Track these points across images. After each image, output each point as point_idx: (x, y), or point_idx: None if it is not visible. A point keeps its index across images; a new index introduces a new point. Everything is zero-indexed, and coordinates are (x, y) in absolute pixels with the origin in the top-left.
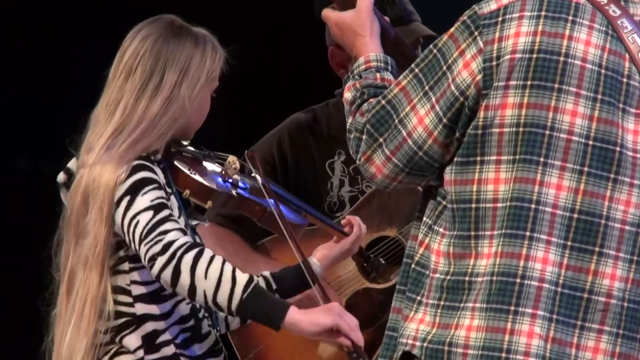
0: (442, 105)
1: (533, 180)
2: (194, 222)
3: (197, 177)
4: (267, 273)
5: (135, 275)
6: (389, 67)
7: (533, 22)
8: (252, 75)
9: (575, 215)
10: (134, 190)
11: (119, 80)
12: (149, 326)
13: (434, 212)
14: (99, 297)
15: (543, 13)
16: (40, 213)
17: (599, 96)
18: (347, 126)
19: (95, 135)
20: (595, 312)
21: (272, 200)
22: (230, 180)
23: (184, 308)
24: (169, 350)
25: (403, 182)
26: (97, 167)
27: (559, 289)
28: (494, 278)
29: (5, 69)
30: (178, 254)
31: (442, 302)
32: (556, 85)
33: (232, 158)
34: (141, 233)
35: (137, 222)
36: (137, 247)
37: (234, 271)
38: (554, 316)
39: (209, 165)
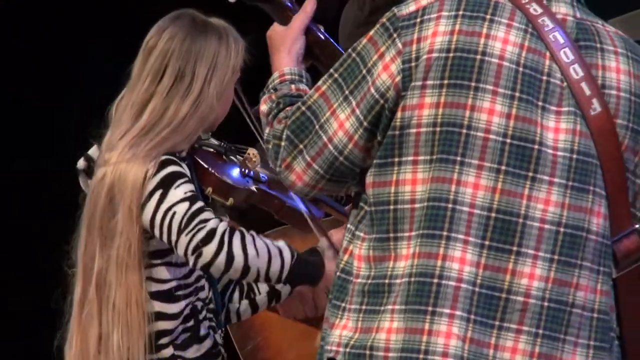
0: (363, 108)
1: (450, 179)
2: None
3: (219, 175)
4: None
5: (151, 272)
6: (304, 80)
7: (451, 21)
8: (266, 68)
9: (493, 215)
10: (166, 184)
11: (145, 82)
12: (159, 325)
13: (356, 218)
14: (142, 297)
15: (461, 12)
16: (40, 213)
17: (517, 94)
18: (265, 137)
19: (118, 135)
20: (513, 312)
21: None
22: (251, 174)
23: (188, 308)
24: (167, 352)
25: (324, 189)
26: (121, 165)
27: (477, 289)
28: (412, 279)
29: (5, 69)
30: (226, 239)
31: (363, 307)
32: (473, 84)
33: (252, 151)
34: (180, 223)
35: (174, 213)
36: (176, 238)
37: (274, 244)
38: (472, 316)
39: (230, 160)
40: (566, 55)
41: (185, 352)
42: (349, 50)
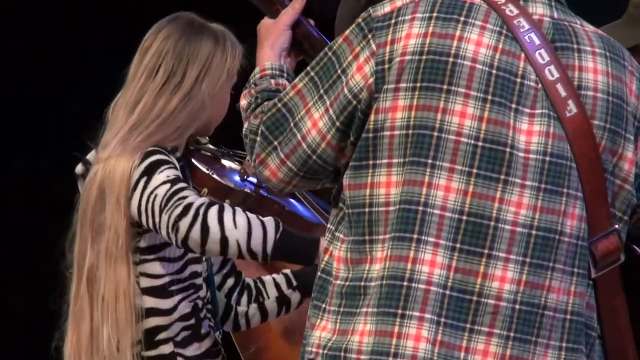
0: (336, 108)
1: (421, 182)
2: None
3: (215, 176)
4: (287, 270)
5: (144, 267)
6: (284, 74)
7: (424, 23)
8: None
9: (464, 217)
10: (149, 171)
11: (140, 81)
12: (152, 321)
13: (336, 219)
14: (130, 289)
15: (435, 14)
16: (40, 213)
17: (489, 97)
18: (243, 131)
19: (112, 133)
20: (484, 314)
21: (292, 200)
22: (250, 179)
23: (186, 306)
24: (167, 348)
25: (298, 186)
26: (111, 160)
27: (447, 292)
28: (383, 282)
29: (6, 69)
30: (201, 210)
31: (341, 309)
32: (445, 87)
33: None
34: (160, 203)
35: (155, 195)
36: (158, 220)
37: (258, 217)
38: (442, 319)
39: (227, 164)
40: (541, 56)
41: (185, 349)
42: (326, 48)
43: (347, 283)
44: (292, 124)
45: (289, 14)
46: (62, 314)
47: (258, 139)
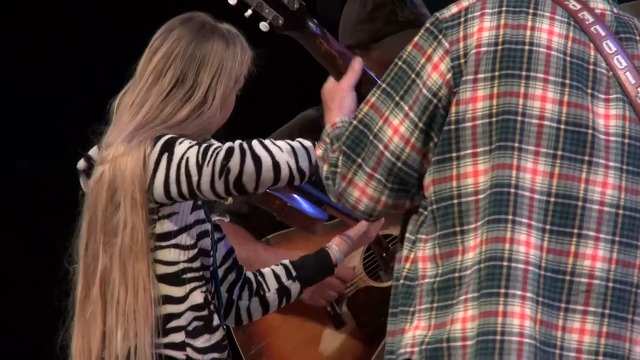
0: (417, 110)
1: (510, 165)
2: (215, 218)
3: None
4: (286, 261)
5: (159, 254)
6: None
7: (495, 17)
8: (263, 70)
9: (552, 199)
10: (168, 147)
11: (147, 82)
12: (165, 309)
13: (416, 225)
14: (150, 284)
15: (504, 8)
16: (40, 213)
17: (567, 81)
18: (323, 175)
19: (116, 134)
20: (578, 293)
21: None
22: None
23: (199, 296)
24: (178, 337)
25: (387, 204)
26: (117, 160)
27: (542, 272)
28: (482, 265)
29: (5, 68)
30: (245, 146)
31: (435, 304)
32: (523, 73)
33: None
34: (197, 161)
35: (187, 158)
36: (197, 178)
37: (290, 141)
38: (540, 299)
39: None
40: (608, 46)
41: (195, 340)
42: (395, 60)
43: (437, 279)
44: (371, 137)
45: (350, 78)
46: (65, 312)
47: (341, 158)
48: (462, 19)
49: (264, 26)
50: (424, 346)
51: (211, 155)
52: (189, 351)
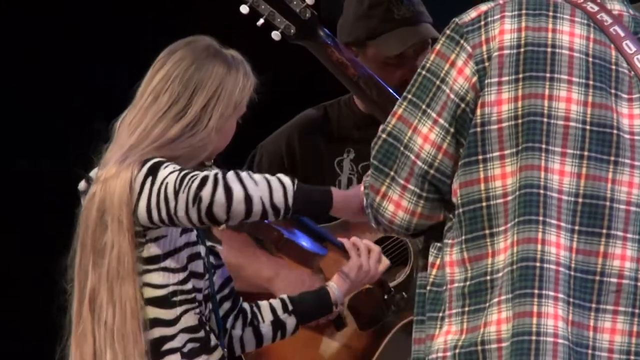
0: (446, 116)
1: (538, 166)
2: (209, 244)
3: None
4: (284, 295)
5: (147, 277)
6: None
7: (515, 20)
8: (264, 69)
9: (580, 200)
10: (153, 171)
11: (146, 101)
12: (156, 332)
13: (442, 232)
14: (137, 307)
15: (524, 12)
16: (40, 213)
17: (591, 82)
18: (365, 206)
19: (113, 153)
20: (608, 293)
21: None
22: None
23: (192, 318)
24: (174, 358)
25: (423, 215)
26: (108, 182)
27: (572, 273)
28: (514, 266)
29: (5, 68)
30: (219, 176)
31: (466, 308)
32: (547, 75)
33: None
34: (174, 187)
35: (166, 184)
36: (174, 204)
37: (272, 175)
38: (571, 299)
39: None
40: (628, 46)
41: None
42: (418, 69)
43: (468, 283)
44: (402, 148)
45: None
46: (64, 328)
47: (372, 173)
48: (482, 23)
49: (276, 35)
50: (457, 350)
51: (187, 183)
52: None
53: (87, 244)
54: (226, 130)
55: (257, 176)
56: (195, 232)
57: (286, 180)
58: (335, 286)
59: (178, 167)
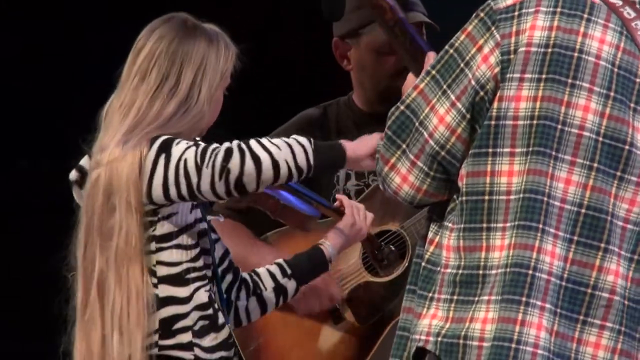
0: (464, 101)
1: (546, 173)
2: (210, 217)
3: None
4: (280, 260)
5: (161, 256)
6: None
7: (549, 17)
8: (262, 70)
9: (583, 211)
10: (165, 148)
11: (133, 82)
12: (170, 310)
13: (445, 211)
14: (144, 288)
15: (559, 9)
16: (40, 213)
17: (612, 94)
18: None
19: (110, 137)
20: (598, 307)
21: (285, 193)
22: None
23: (204, 295)
24: (185, 337)
25: (428, 192)
26: (113, 164)
27: (564, 283)
28: (507, 269)
29: (5, 68)
30: (244, 146)
31: (455, 297)
32: (569, 80)
33: None
34: (195, 162)
35: (185, 159)
36: (197, 180)
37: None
38: (558, 310)
39: None
40: None
41: (202, 339)
42: (446, 46)
43: (460, 271)
44: (417, 124)
45: None
46: (68, 318)
47: (384, 143)
48: (516, 13)
49: None
50: (440, 338)
51: (210, 157)
52: (197, 351)
53: (93, 229)
54: (215, 102)
55: (277, 140)
56: (199, 208)
57: (304, 140)
58: (328, 243)
59: (191, 142)
